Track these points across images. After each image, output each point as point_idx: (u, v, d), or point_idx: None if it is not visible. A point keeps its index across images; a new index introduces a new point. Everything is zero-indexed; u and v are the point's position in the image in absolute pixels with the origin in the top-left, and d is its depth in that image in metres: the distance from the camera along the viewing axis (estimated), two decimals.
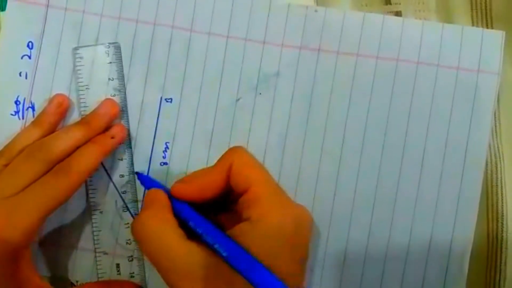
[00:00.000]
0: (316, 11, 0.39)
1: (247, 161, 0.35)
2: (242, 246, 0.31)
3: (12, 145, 0.37)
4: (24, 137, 0.37)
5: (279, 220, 0.33)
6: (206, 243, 0.32)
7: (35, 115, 0.39)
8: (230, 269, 0.31)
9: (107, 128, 0.38)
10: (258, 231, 0.32)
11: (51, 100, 0.39)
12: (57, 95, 0.39)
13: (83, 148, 0.36)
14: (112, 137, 0.37)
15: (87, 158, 0.36)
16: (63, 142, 0.36)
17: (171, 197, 0.35)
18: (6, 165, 0.36)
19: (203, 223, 0.33)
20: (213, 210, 0.36)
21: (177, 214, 0.34)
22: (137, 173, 0.39)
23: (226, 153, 0.36)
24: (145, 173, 0.39)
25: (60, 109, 0.38)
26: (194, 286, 0.31)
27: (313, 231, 0.38)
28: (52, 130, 0.38)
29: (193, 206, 0.35)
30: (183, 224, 0.34)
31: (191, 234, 0.33)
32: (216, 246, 0.32)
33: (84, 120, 0.38)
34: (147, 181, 0.38)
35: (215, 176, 0.35)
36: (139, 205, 0.39)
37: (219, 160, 0.35)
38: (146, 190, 0.38)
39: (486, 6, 0.40)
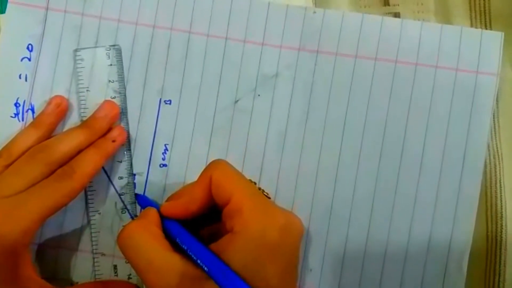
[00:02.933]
0: (314, 12, 0.39)
1: (226, 173, 0.35)
2: (226, 258, 0.31)
3: (11, 145, 0.37)
4: (23, 138, 0.37)
5: (261, 229, 0.32)
6: (191, 258, 0.32)
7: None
8: (212, 284, 0.31)
9: (107, 130, 0.38)
10: (240, 242, 0.32)
11: (49, 101, 0.39)
12: (56, 96, 0.39)
13: (85, 152, 0.37)
14: (113, 141, 0.38)
15: (90, 162, 0.36)
16: (65, 144, 0.36)
17: (162, 216, 0.35)
18: (6, 166, 0.36)
19: (188, 239, 0.33)
20: (208, 221, 0.36)
21: (166, 232, 0.35)
22: (136, 194, 0.39)
23: (206, 167, 0.35)
24: (145, 175, 0.39)
25: (58, 110, 0.39)
26: None
27: (313, 230, 0.38)
28: (51, 131, 0.38)
29: (184, 221, 0.35)
30: (173, 241, 0.34)
31: (179, 250, 0.33)
32: (198, 261, 0.32)
33: (85, 123, 0.38)
34: (144, 202, 0.38)
35: (197, 191, 0.35)
36: (138, 206, 0.39)
37: (200, 175, 0.35)
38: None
39: (485, 7, 0.40)
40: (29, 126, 0.38)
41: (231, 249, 0.32)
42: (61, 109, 0.39)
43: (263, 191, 0.39)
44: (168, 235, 0.34)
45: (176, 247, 0.33)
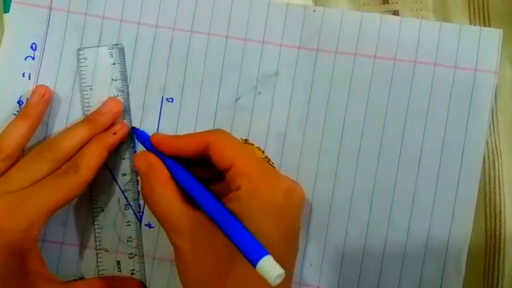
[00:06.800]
0: (314, 11, 0.39)
1: (226, 140, 0.35)
2: (231, 210, 0.33)
3: (1, 140, 0.37)
4: (12, 131, 0.38)
5: (267, 190, 0.33)
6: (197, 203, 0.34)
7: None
8: (214, 228, 0.32)
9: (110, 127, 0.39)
10: (246, 199, 0.33)
11: (33, 92, 0.39)
12: (39, 86, 0.39)
13: (87, 146, 0.37)
14: (114, 133, 0.38)
15: (92, 155, 0.37)
16: (68, 140, 0.37)
17: (163, 159, 0.37)
18: (1, 160, 0.36)
19: (192, 182, 0.35)
20: (210, 180, 0.37)
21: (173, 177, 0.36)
22: (133, 128, 0.40)
23: (204, 132, 0.37)
24: None
25: (43, 99, 0.39)
26: (186, 243, 0.33)
27: (313, 227, 0.39)
28: (38, 121, 0.39)
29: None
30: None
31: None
32: (201, 204, 0.33)
33: (88, 119, 0.39)
34: (142, 136, 0.39)
35: (190, 142, 0.36)
36: (141, 203, 0.40)
37: (199, 132, 0.37)
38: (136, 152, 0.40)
39: (483, 4, 0.40)
40: (16, 119, 0.38)
41: (236, 206, 0.33)
42: (46, 98, 0.39)
43: (269, 160, 0.39)
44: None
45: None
